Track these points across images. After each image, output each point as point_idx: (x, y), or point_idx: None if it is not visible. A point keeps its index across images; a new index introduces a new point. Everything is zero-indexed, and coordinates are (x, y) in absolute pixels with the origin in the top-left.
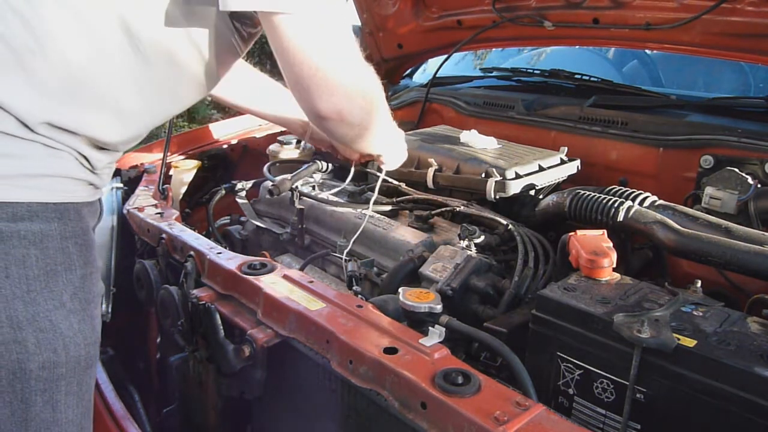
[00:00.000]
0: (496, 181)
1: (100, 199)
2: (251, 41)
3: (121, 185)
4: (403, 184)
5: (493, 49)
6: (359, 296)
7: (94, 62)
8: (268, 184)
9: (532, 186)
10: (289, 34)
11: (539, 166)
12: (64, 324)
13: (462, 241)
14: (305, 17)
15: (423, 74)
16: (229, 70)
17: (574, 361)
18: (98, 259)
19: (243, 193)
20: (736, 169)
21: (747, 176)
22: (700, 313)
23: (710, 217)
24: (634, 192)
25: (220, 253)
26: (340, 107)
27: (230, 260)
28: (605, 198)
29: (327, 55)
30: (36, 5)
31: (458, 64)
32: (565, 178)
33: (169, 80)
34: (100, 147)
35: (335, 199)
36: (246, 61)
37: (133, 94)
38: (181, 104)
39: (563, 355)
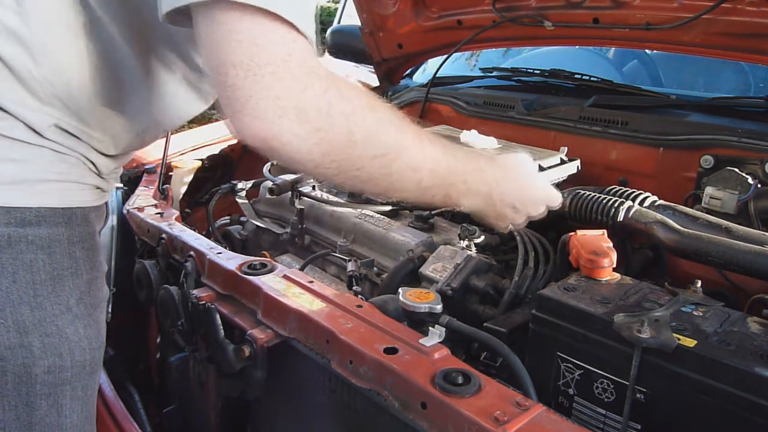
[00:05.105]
0: None
1: (106, 203)
2: None
3: (121, 185)
4: None
5: (491, 49)
6: (359, 296)
7: (87, 75)
8: (268, 183)
9: None
10: (206, 29)
11: (539, 166)
12: (69, 329)
13: (462, 241)
14: (222, 6)
15: (423, 74)
16: None
17: (574, 361)
18: (104, 263)
19: (243, 193)
20: (736, 169)
21: (747, 176)
22: (700, 313)
23: (710, 217)
24: (634, 192)
25: (220, 253)
26: (258, 131)
27: (230, 260)
28: (605, 198)
29: (236, 57)
30: (27, 21)
31: (456, 62)
32: (565, 178)
33: (167, 95)
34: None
35: (335, 199)
36: None
37: (128, 105)
38: (188, 113)
39: (563, 355)
